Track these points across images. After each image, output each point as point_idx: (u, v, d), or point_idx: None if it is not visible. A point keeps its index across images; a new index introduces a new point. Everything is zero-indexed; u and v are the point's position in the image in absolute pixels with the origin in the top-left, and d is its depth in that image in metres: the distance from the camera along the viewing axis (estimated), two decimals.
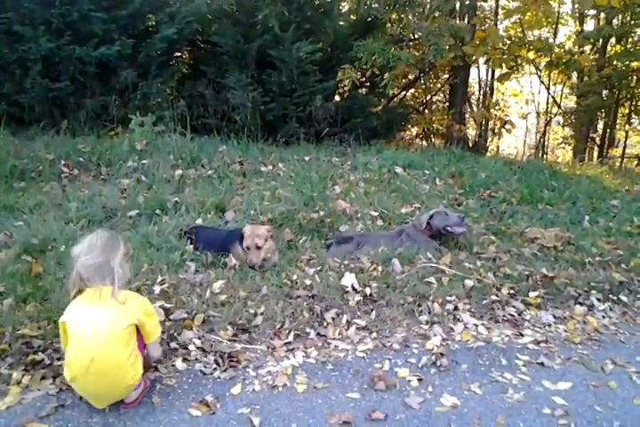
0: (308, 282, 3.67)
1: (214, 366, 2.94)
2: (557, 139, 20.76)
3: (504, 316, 3.69)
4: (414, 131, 15.70)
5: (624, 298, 4.06)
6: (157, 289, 3.41)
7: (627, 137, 19.67)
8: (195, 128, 8.69)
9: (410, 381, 2.91)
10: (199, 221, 4.79)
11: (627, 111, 17.23)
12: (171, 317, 3.16)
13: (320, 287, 3.63)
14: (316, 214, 5.05)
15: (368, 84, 11.55)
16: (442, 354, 3.15)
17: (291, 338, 3.20)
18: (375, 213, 5.21)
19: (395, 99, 15.25)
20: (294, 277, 3.76)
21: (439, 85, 16.64)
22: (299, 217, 4.91)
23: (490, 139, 17.91)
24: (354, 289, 3.67)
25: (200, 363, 2.96)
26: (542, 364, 3.14)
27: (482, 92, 18.49)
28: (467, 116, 15.93)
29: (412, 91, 16.59)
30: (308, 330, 3.30)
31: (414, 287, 3.78)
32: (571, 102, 18.10)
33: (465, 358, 3.16)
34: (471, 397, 2.79)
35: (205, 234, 4.32)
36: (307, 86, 9.37)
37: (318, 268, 3.97)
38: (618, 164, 16.09)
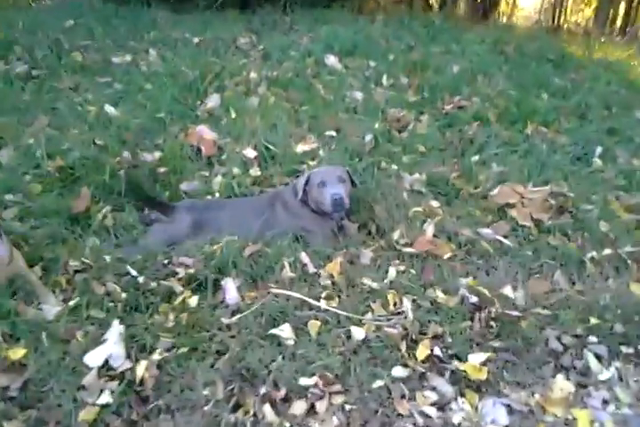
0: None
1: None
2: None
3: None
4: None
5: None
6: None
7: None
8: None
9: None
10: None
11: None
12: None
13: None
14: (151, 156, 3.05)
15: None
16: None
17: None
18: (252, 154, 3.13)
19: None
20: None
21: None
22: (112, 165, 2.89)
23: None
24: None
25: None
26: None
27: None
28: None
29: None
30: None
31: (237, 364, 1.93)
32: None
33: None
34: None
35: None
36: None
37: (72, 302, 2.08)
38: None
